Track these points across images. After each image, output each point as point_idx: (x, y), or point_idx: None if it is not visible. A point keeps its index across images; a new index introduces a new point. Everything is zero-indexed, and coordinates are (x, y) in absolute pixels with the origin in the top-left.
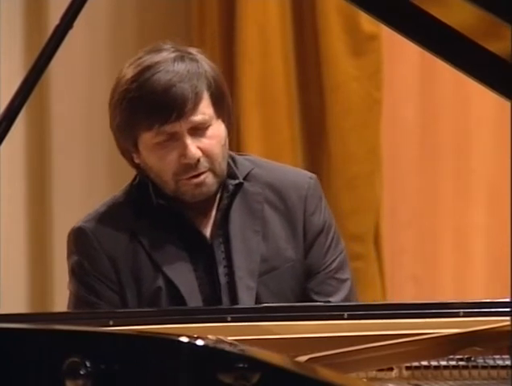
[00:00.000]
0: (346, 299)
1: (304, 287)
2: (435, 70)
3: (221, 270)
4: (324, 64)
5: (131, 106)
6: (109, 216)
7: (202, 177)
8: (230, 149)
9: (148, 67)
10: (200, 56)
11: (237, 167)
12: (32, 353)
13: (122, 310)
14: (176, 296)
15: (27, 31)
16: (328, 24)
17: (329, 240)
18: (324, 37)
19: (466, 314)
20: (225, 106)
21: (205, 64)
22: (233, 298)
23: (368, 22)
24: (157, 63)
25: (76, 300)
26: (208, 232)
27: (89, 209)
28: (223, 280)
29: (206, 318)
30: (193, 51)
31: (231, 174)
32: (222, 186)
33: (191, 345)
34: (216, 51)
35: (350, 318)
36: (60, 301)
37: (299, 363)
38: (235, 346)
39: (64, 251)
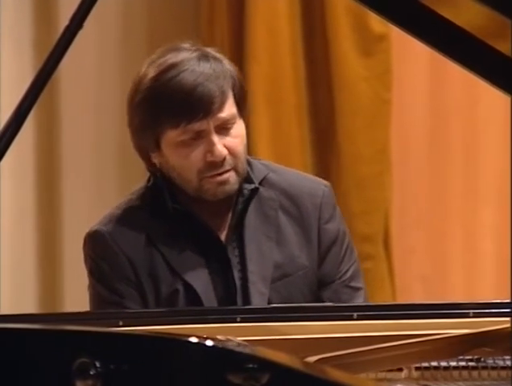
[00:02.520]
0: None
1: (318, 296)
2: (444, 70)
3: (236, 274)
4: (333, 64)
5: (155, 104)
6: (125, 219)
7: (226, 175)
8: None
9: (172, 66)
10: (221, 56)
11: (252, 171)
12: (42, 353)
13: (132, 311)
14: (194, 299)
15: (37, 32)
16: (338, 24)
17: (344, 249)
18: (333, 37)
19: (476, 315)
20: (245, 106)
21: (227, 64)
22: (246, 303)
23: (377, 23)
24: (181, 61)
25: (100, 301)
26: (222, 235)
27: (99, 212)
28: (238, 283)
29: (216, 319)
30: (212, 50)
31: (247, 178)
32: (238, 189)
33: (200, 345)
34: (225, 52)
35: (360, 318)
36: (70, 302)
37: (308, 363)
38: (244, 347)
39: (74, 252)
